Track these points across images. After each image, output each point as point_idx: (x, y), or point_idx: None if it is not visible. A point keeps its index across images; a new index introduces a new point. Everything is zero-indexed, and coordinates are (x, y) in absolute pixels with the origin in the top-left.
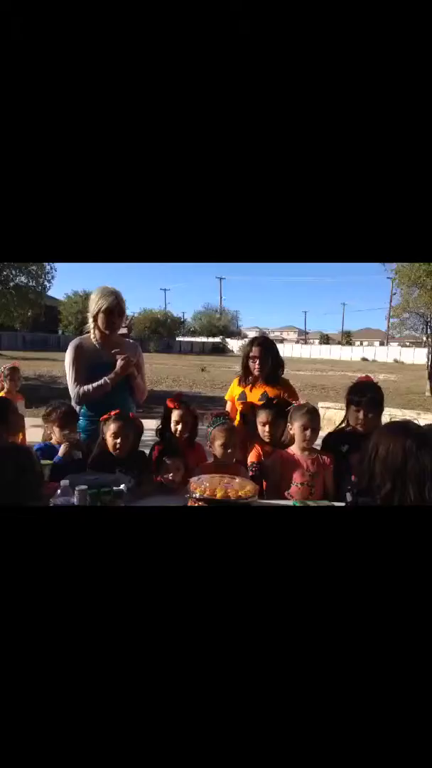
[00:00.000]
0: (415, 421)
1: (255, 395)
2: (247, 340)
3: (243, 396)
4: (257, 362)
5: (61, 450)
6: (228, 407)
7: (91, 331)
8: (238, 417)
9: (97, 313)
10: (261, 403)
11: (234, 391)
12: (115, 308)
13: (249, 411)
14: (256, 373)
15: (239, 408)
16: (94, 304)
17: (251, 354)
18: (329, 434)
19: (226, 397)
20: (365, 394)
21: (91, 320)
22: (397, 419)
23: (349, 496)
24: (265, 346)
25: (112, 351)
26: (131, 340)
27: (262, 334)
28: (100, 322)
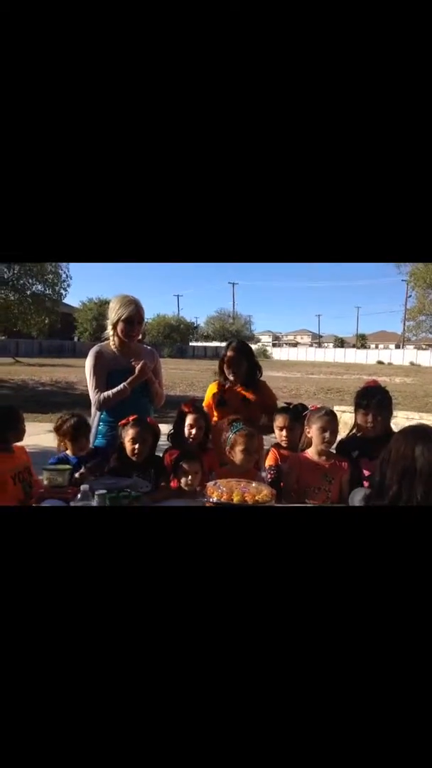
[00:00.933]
0: None
1: (234, 399)
2: (225, 344)
3: (222, 401)
4: (232, 367)
5: (79, 474)
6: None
7: (111, 338)
8: (213, 415)
9: (116, 322)
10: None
11: (211, 394)
12: (134, 317)
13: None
14: (232, 378)
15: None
16: (114, 313)
17: (227, 358)
18: (340, 441)
19: (203, 404)
20: (373, 398)
21: (110, 328)
22: (414, 423)
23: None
24: (242, 350)
25: (130, 359)
26: (149, 347)
27: (238, 340)
28: (119, 330)
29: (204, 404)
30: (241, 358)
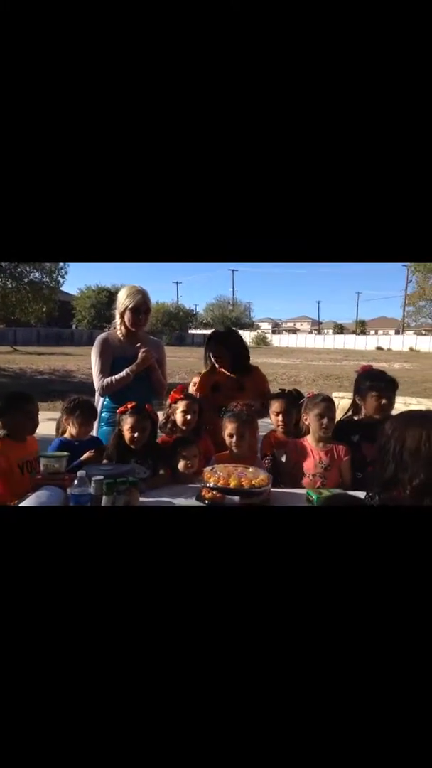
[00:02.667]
0: None
1: (228, 385)
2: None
3: (217, 386)
4: (218, 358)
5: (85, 456)
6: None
7: (118, 327)
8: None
9: (124, 311)
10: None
11: (200, 380)
12: (141, 306)
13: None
14: (217, 365)
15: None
16: (122, 303)
17: (210, 350)
18: (338, 423)
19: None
20: (383, 379)
21: (118, 317)
22: (414, 408)
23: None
24: (222, 342)
25: (136, 345)
26: (154, 338)
27: (221, 330)
28: (126, 319)
29: (195, 391)
30: (222, 351)
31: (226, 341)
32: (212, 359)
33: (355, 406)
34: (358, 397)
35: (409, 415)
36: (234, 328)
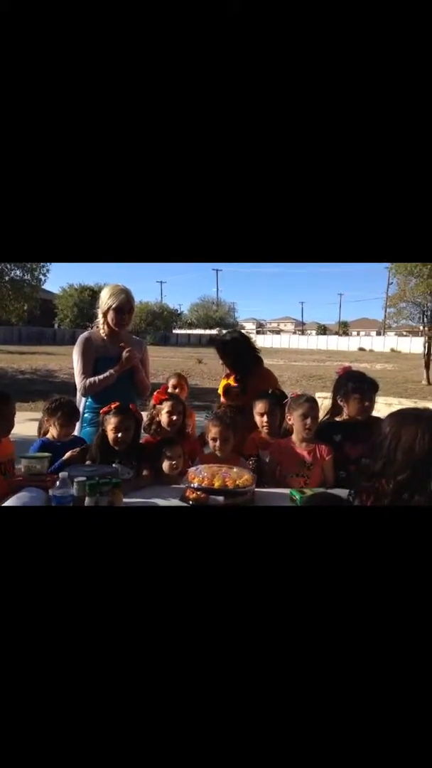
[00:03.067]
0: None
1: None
2: (209, 332)
3: (227, 388)
4: (222, 361)
5: (68, 455)
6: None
7: (101, 326)
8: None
9: (107, 310)
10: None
11: (222, 383)
12: (125, 306)
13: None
14: (227, 370)
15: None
16: (105, 302)
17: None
18: (320, 423)
19: (219, 392)
20: (365, 381)
21: (101, 316)
22: (402, 407)
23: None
24: (220, 347)
25: (120, 345)
26: (137, 338)
27: (218, 336)
28: (110, 318)
29: (220, 391)
30: (224, 353)
31: (225, 348)
32: (220, 359)
33: (335, 407)
34: (340, 398)
35: (405, 414)
36: (241, 331)
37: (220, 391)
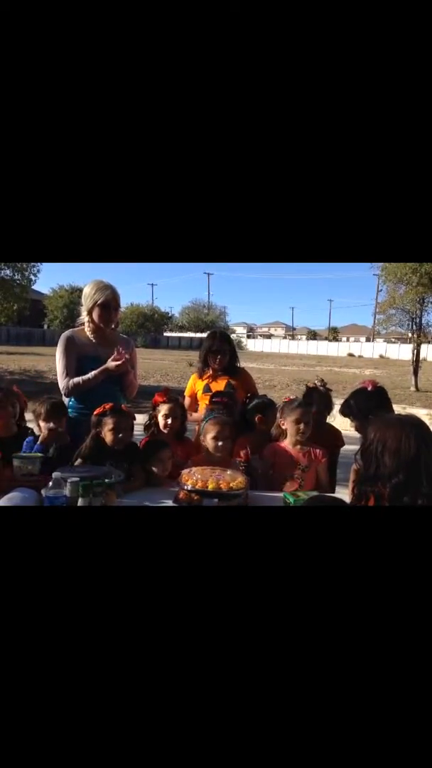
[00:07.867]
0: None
1: (220, 386)
2: (206, 334)
3: (208, 388)
4: (218, 355)
5: (41, 437)
6: (186, 402)
7: (86, 324)
8: (202, 406)
9: (92, 307)
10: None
11: (197, 385)
12: (111, 302)
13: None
14: (216, 366)
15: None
16: (89, 299)
17: (213, 348)
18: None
19: (186, 394)
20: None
21: (85, 314)
22: (397, 413)
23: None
24: (225, 339)
25: (114, 348)
26: (124, 336)
27: (219, 329)
28: (95, 316)
29: (186, 394)
30: (225, 347)
31: (228, 338)
32: (211, 357)
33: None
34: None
35: (388, 419)
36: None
37: (199, 394)
